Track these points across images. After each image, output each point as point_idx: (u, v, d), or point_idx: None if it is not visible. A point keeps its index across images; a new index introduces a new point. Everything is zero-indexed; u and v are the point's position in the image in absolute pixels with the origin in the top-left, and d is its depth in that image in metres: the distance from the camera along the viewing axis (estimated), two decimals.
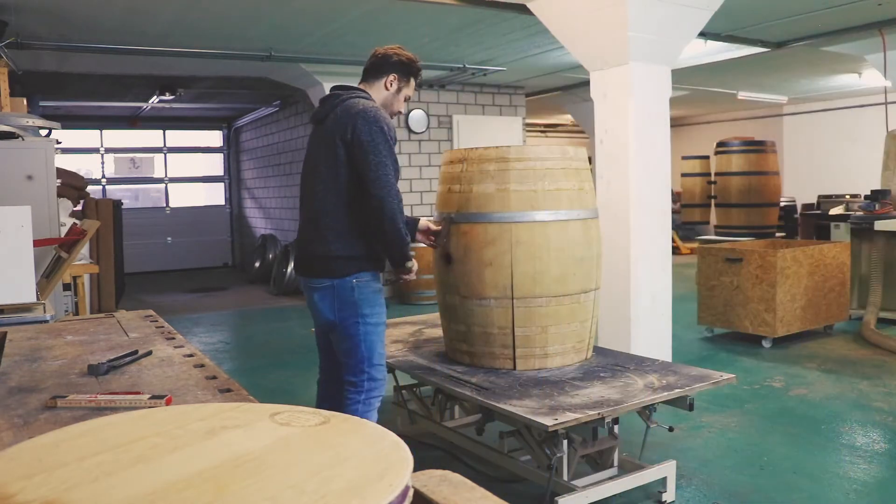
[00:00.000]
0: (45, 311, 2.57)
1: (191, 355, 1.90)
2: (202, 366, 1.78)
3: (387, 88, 2.85)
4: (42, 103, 9.19)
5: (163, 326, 2.37)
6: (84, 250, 4.82)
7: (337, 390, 2.86)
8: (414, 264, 2.77)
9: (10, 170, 3.46)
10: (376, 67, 2.85)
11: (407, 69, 2.87)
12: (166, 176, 12.92)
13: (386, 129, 2.66)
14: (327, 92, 2.88)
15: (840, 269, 5.99)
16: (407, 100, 2.93)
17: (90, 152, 12.31)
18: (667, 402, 2.87)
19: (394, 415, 3.86)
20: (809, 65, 8.88)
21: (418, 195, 8.98)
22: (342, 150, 2.66)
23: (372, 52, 2.90)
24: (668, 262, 4.55)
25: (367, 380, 2.77)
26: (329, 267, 2.71)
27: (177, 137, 13.05)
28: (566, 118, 13.73)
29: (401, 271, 2.76)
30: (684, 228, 13.16)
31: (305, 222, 2.82)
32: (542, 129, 15.60)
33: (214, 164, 13.60)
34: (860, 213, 6.52)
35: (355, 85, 2.86)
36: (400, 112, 2.94)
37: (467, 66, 7.74)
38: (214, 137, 13.58)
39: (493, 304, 3.13)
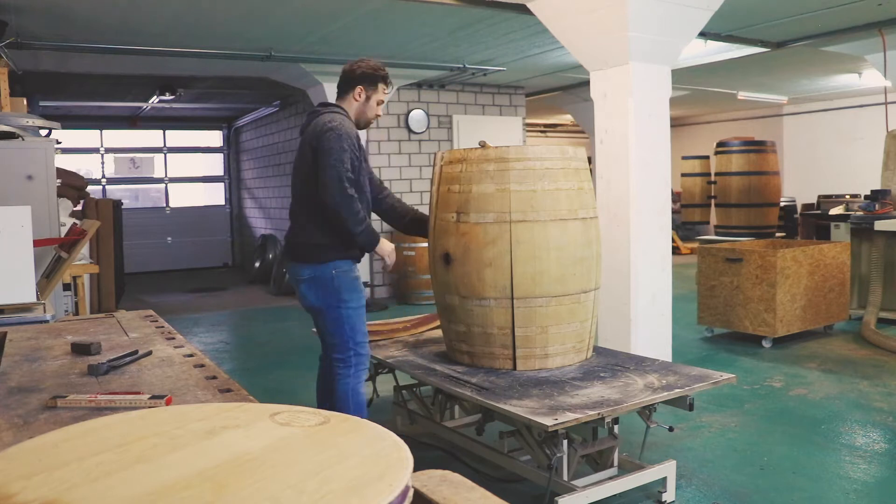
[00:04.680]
0: (45, 311, 2.57)
1: (191, 355, 1.90)
2: (202, 366, 1.78)
3: (356, 100, 3.18)
4: (42, 103, 9.19)
5: (163, 326, 2.37)
6: (84, 250, 4.82)
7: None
8: (385, 250, 3.22)
9: (10, 170, 3.45)
10: (344, 83, 3.20)
11: (371, 78, 3.16)
12: (166, 176, 12.92)
13: (344, 137, 2.99)
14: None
15: (840, 269, 5.99)
16: (380, 104, 3.23)
17: (90, 152, 12.31)
18: (667, 402, 2.87)
19: (394, 415, 3.86)
20: (809, 65, 8.88)
21: (418, 195, 8.98)
22: (311, 156, 3.05)
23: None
24: (668, 262, 4.55)
25: (354, 355, 3.14)
26: (310, 253, 3.09)
27: (177, 137, 13.05)
28: (566, 118, 13.73)
29: (375, 257, 3.21)
30: (684, 228, 13.14)
31: (292, 216, 3.22)
32: (542, 129, 15.60)
33: (214, 164, 13.60)
34: (860, 213, 6.52)
35: (328, 102, 3.22)
36: (377, 116, 3.26)
37: (467, 66, 7.75)
38: (214, 137, 13.58)
39: (493, 305, 3.13)
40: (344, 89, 3.21)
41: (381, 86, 3.19)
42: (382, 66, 3.21)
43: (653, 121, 4.39)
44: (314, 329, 4.25)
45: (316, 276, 3.09)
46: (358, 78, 3.16)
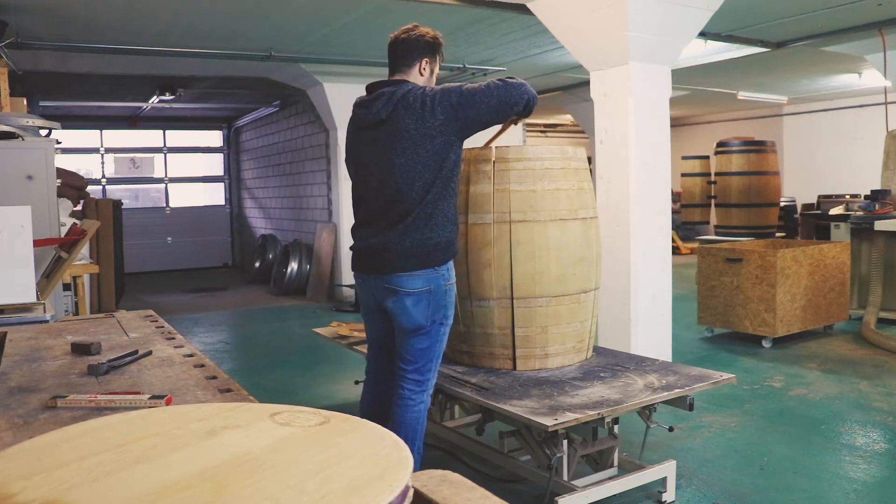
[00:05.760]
0: (45, 311, 2.57)
1: (191, 355, 1.90)
2: (202, 366, 1.78)
3: (421, 74, 2.72)
4: (42, 103, 9.19)
5: (163, 326, 2.36)
6: (84, 250, 4.82)
7: (387, 391, 2.85)
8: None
9: (10, 170, 3.45)
10: (404, 55, 2.71)
11: (434, 48, 2.75)
12: (166, 176, 12.92)
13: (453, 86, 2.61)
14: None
15: (840, 269, 5.99)
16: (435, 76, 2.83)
17: (90, 152, 12.32)
18: (667, 402, 2.87)
19: None
20: (809, 65, 8.88)
21: None
22: (441, 137, 2.54)
23: (390, 38, 2.74)
24: (668, 262, 4.55)
25: (432, 377, 2.78)
26: (428, 257, 2.60)
27: (177, 137, 13.05)
28: (566, 118, 13.72)
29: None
30: (684, 228, 13.14)
31: (388, 223, 2.61)
32: (542, 129, 15.59)
33: (214, 164, 13.60)
34: (860, 213, 6.52)
35: (392, 79, 2.71)
36: None
37: (467, 66, 7.74)
38: (214, 137, 13.59)
39: (493, 305, 3.13)
40: (405, 62, 2.71)
41: (439, 57, 2.78)
42: (439, 32, 2.78)
43: (653, 121, 4.39)
44: (315, 329, 4.26)
45: (430, 289, 2.63)
46: (423, 49, 2.71)
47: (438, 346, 2.73)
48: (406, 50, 2.70)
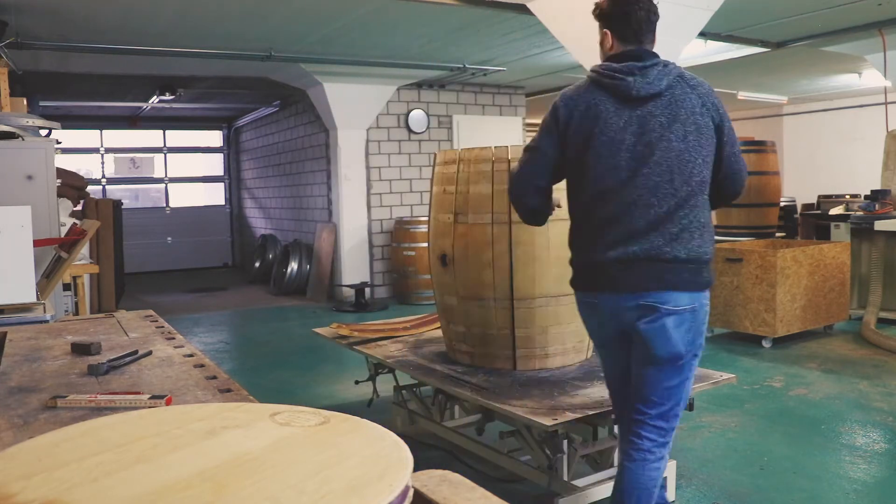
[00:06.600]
0: (45, 311, 2.57)
1: (191, 355, 1.90)
2: (202, 366, 1.78)
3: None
4: (42, 103, 9.19)
5: (163, 326, 2.36)
6: (84, 250, 4.82)
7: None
8: None
9: (10, 170, 3.45)
10: (652, 27, 2.23)
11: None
12: (166, 176, 12.92)
13: None
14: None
15: (840, 269, 5.99)
16: None
17: (90, 152, 12.32)
18: None
19: (394, 415, 3.86)
20: (809, 65, 8.88)
21: (418, 195, 8.98)
22: (714, 130, 2.16)
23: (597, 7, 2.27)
24: None
25: (676, 425, 2.29)
26: (699, 272, 2.15)
27: (177, 137, 13.05)
28: None
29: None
30: None
31: (654, 223, 2.10)
32: None
33: (214, 164, 13.60)
34: (860, 213, 6.52)
35: (647, 49, 2.21)
36: None
37: (467, 66, 7.74)
38: (214, 137, 13.58)
39: (493, 305, 3.12)
40: (649, 38, 2.22)
41: None
42: None
43: None
44: (315, 329, 4.26)
45: (694, 307, 2.15)
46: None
47: (689, 384, 2.25)
48: (656, 19, 2.22)
